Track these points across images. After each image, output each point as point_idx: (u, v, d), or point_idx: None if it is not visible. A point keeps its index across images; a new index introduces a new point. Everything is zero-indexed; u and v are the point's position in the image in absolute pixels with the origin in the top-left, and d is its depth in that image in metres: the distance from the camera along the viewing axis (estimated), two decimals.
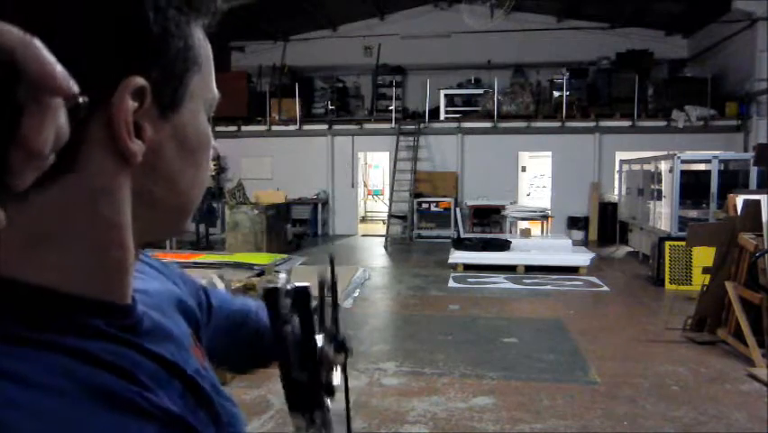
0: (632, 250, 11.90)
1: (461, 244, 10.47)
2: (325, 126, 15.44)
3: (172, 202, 0.50)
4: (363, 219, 18.48)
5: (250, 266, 8.63)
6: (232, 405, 0.60)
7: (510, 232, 12.17)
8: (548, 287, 8.60)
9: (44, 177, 0.39)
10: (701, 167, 10.58)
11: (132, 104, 0.43)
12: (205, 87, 0.51)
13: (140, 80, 0.43)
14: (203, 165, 0.52)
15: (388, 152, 15.46)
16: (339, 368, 0.72)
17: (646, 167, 11.32)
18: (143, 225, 0.48)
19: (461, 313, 7.12)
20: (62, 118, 0.37)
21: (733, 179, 10.02)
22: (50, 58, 0.36)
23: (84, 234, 0.44)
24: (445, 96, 15.22)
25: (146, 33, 0.43)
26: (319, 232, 15.20)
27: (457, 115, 15.13)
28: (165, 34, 0.44)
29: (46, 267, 0.43)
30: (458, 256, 9.90)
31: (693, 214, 9.79)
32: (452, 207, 13.98)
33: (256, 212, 10.90)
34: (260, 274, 8.02)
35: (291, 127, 15.35)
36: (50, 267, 0.43)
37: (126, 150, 0.43)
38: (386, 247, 13.03)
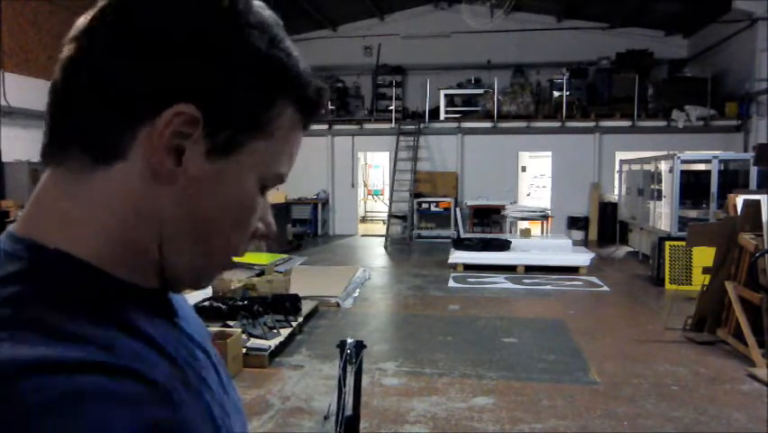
0: (632, 250, 11.90)
1: (461, 244, 10.46)
2: (325, 126, 15.43)
3: (196, 246, 0.53)
4: (363, 219, 18.47)
5: (250, 266, 8.65)
6: (238, 400, 0.65)
7: (510, 232, 12.17)
8: (548, 287, 8.60)
9: (107, 155, 0.48)
10: (701, 167, 10.57)
11: (177, 127, 0.48)
12: (266, 160, 0.53)
13: (189, 108, 0.48)
14: (237, 229, 0.54)
15: (388, 152, 15.46)
16: None
17: (646, 167, 11.32)
18: (167, 252, 0.52)
19: (461, 313, 7.12)
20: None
21: (733, 179, 10.02)
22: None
23: (119, 222, 0.49)
24: (445, 96, 15.21)
25: (210, 79, 0.48)
26: (319, 232, 15.21)
27: (457, 115, 15.13)
28: (231, 89, 0.49)
29: (93, 246, 0.49)
30: (458, 256, 9.89)
31: (693, 214, 9.79)
32: (452, 207, 13.98)
33: None
34: (260, 274, 8.03)
35: None
36: (95, 247, 0.49)
37: (156, 162, 0.48)
38: (386, 247, 13.03)
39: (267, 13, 0.53)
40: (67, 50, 0.50)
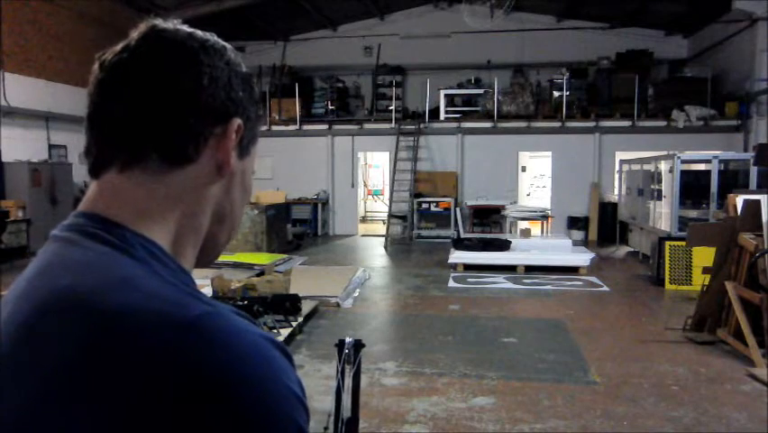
0: (632, 250, 11.90)
1: (461, 243, 10.46)
2: (325, 126, 15.44)
3: (228, 225, 0.72)
4: (363, 219, 18.47)
5: (250, 266, 8.65)
6: None
7: (510, 232, 12.17)
8: (548, 287, 8.60)
9: (183, 159, 0.63)
10: (701, 167, 10.57)
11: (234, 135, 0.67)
12: (254, 159, 0.74)
13: (239, 120, 0.67)
14: (245, 206, 0.76)
15: (388, 152, 15.46)
16: None
17: (646, 167, 11.32)
18: (214, 230, 0.70)
19: (461, 313, 7.12)
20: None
21: (733, 179, 10.01)
22: None
23: (186, 214, 0.65)
24: (445, 96, 15.21)
25: (244, 106, 0.69)
26: (319, 232, 15.21)
27: (457, 115, 15.13)
28: (251, 112, 0.71)
29: (165, 235, 0.64)
30: (458, 256, 9.89)
31: (693, 214, 9.79)
32: (452, 207, 13.98)
33: (256, 212, 10.90)
34: (260, 274, 8.03)
35: (291, 127, 15.35)
36: (164, 234, 0.64)
37: (226, 160, 0.66)
38: (386, 247, 13.02)
39: None
40: (141, 73, 0.63)
